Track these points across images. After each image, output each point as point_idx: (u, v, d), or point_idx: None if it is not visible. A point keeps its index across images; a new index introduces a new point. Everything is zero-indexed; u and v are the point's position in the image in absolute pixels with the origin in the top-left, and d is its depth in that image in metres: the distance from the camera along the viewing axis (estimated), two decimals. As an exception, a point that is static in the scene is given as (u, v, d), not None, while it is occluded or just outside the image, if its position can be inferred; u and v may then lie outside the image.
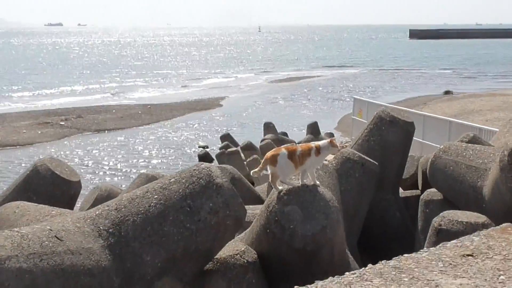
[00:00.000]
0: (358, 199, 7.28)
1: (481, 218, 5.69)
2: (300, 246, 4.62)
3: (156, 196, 4.36)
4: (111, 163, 25.31)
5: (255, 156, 20.38)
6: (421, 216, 7.28)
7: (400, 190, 9.56)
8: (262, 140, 24.49)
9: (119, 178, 22.97)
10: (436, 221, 5.75)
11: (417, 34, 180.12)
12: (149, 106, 41.60)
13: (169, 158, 26.51)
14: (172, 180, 4.50)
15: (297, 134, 29.85)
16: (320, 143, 5.03)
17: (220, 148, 25.73)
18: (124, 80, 63.55)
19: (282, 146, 5.49)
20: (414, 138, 18.04)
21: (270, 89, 54.98)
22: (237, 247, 4.95)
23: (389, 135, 7.89)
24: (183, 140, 30.50)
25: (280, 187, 4.99)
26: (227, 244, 5.05)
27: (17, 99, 47.87)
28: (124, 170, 23.85)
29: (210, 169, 4.59)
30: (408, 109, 21.98)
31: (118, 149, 28.09)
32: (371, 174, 7.39)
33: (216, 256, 4.76)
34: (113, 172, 23.65)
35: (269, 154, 4.92)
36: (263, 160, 4.92)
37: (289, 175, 4.96)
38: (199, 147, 28.87)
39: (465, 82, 57.88)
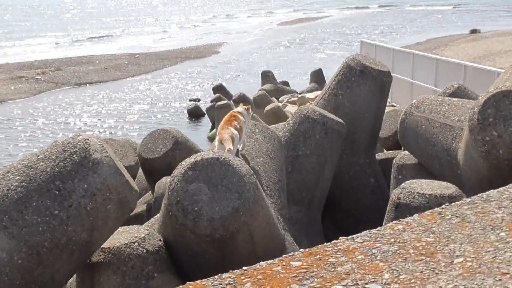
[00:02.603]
0: (319, 165, 6.77)
1: (449, 189, 5.13)
2: (207, 232, 4.14)
3: (18, 177, 3.87)
4: (91, 121, 24.99)
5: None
6: (394, 184, 6.75)
7: (384, 150, 9.06)
8: (259, 91, 23.93)
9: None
10: (395, 193, 5.24)
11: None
12: (137, 56, 41.01)
13: (157, 113, 26.13)
14: (41, 156, 3.99)
15: (302, 82, 29.25)
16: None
17: (212, 101, 25.23)
18: (110, 26, 62.69)
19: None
20: (424, 85, 17.72)
21: (276, 32, 53.95)
22: (136, 233, 4.47)
23: (360, 88, 7.29)
24: (173, 93, 30.05)
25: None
26: (126, 229, 4.61)
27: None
28: (107, 130, 23.52)
29: (88, 141, 4.07)
30: (418, 52, 21.19)
31: (100, 105, 27.71)
32: (336, 135, 6.84)
33: (108, 245, 4.30)
34: (93, 132, 23.30)
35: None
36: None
37: None
38: (190, 100, 28.45)
39: (503, 20, 56.09)
